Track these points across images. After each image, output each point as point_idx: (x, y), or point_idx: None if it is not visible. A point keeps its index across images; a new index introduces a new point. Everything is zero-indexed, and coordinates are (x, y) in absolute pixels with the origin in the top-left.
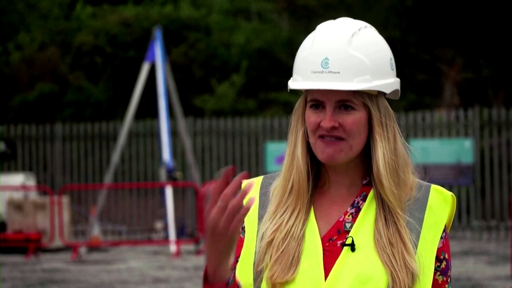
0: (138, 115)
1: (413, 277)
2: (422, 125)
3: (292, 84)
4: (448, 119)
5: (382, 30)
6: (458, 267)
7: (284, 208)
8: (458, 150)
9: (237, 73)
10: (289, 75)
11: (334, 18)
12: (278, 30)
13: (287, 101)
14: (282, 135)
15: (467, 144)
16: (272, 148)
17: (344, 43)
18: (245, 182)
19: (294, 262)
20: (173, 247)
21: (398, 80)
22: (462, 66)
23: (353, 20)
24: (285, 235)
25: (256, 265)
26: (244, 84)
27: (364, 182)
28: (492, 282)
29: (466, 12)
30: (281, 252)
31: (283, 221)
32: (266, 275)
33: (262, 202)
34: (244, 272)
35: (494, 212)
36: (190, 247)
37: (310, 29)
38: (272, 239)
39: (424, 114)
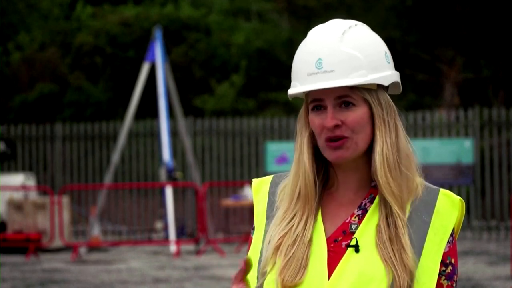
0: (138, 115)
1: (410, 275)
2: (422, 125)
3: (290, 90)
4: (448, 119)
5: (382, 30)
6: (458, 267)
7: (293, 214)
8: (458, 150)
9: (237, 73)
10: (289, 75)
11: (334, 18)
12: (278, 30)
13: (287, 101)
14: (282, 135)
15: (467, 144)
16: (272, 148)
17: (336, 42)
18: (254, 182)
19: (302, 265)
20: (173, 247)
21: (396, 73)
22: (462, 66)
23: (344, 20)
24: (294, 240)
25: (262, 266)
26: (244, 84)
27: (373, 184)
28: (492, 282)
29: (466, 12)
30: (290, 257)
31: (292, 226)
32: (273, 278)
33: (270, 202)
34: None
35: (494, 212)
36: (190, 247)
37: (310, 29)
38: (280, 244)
39: (424, 114)
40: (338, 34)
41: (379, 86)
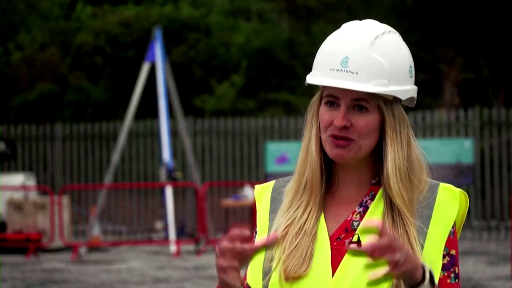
0: (138, 115)
1: None
2: (422, 125)
3: (310, 79)
4: (448, 119)
5: None
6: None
7: (298, 204)
8: (458, 150)
9: (237, 73)
10: (289, 75)
11: (334, 18)
12: (278, 30)
13: (287, 101)
14: (282, 135)
15: (467, 144)
16: (272, 148)
17: (366, 45)
18: (257, 188)
19: (307, 258)
20: (173, 247)
21: (415, 88)
22: (462, 66)
23: (379, 23)
24: (298, 230)
25: (267, 260)
26: (244, 84)
27: (373, 181)
28: (492, 282)
29: (466, 12)
30: (295, 247)
31: (296, 216)
32: (278, 268)
33: (273, 205)
34: (253, 272)
35: (494, 212)
36: (190, 247)
37: (310, 29)
38: (286, 234)
39: (424, 114)
40: (370, 38)
41: (395, 97)
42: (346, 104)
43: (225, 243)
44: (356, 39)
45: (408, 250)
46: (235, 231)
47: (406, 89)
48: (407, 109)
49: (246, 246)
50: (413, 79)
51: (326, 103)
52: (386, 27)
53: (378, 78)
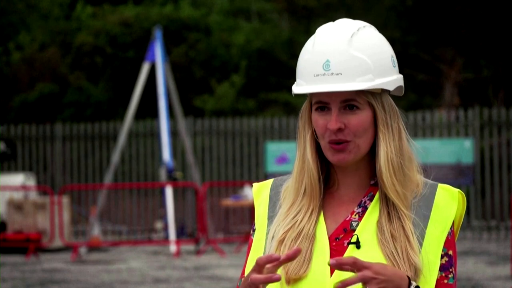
0: (138, 115)
1: (416, 271)
2: (422, 125)
3: (296, 89)
4: (448, 119)
5: (382, 30)
6: (458, 267)
7: (298, 209)
8: (458, 150)
9: (237, 73)
10: (289, 75)
11: (334, 18)
12: (278, 30)
13: (287, 101)
14: (282, 135)
15: (467, 144)
16: (272, 148)
17: (344, 44)
18: (255, 186)
19: (306, 259)
20: (173, 247)
21: (401, 76)
22: (462, 66)
23: (352, 21)
24: (297, 234)
25: None
26: (244, 84)
27: (372, 182)
28: (492, 282)
29: (466, 12)
30: None
31: (296, 221)
32: (278, 271)
33: (271, 204)
34: None
35: (494, 212)
36: (190, 247)
37: (310, 29)
38: (284, 238)
39: (424, 114)
40: (347, 36)
41: (383, 90)
42: (337, 106)
43: (258, 277)
44: (333, 40)
45: (390, 275)
46: (262, 259)
47: (392, 79)
48: (407, 110)
49: (276, 275)
50: (397, 68)
51: (317, 109)
52: (360, 23)
53: (362, 74)
